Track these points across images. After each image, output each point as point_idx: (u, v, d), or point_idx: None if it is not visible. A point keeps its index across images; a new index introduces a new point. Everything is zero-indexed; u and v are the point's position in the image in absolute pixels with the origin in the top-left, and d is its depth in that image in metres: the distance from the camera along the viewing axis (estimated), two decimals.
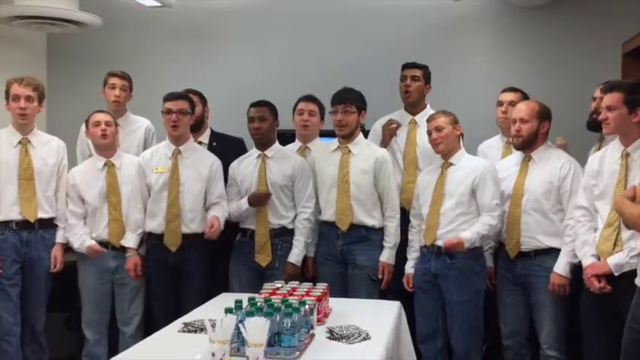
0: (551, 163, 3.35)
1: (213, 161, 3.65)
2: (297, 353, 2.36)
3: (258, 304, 2.48)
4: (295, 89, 4.06)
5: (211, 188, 3.61)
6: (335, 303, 3.00)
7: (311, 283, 3.01)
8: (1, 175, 3.50)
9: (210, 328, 2.25)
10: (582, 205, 3.06)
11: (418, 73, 3.91)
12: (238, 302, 2.44)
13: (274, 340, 2.32)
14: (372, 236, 3.58)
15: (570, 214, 3.20)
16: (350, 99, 3.56)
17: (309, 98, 3.93)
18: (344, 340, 2.57)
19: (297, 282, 3.05)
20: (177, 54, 5.09)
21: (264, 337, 2.21)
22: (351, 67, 4.65)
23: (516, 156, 3.47)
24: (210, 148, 3.91)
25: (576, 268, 3.16)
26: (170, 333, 2.70)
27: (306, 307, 2.53)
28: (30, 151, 3.57)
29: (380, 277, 3.55)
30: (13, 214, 3.50)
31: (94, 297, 3.64)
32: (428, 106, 3.96)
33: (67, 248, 3.68)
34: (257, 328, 2.20)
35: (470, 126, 3.76)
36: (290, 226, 3.63)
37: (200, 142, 3.92)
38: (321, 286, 2.92)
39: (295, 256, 3.58)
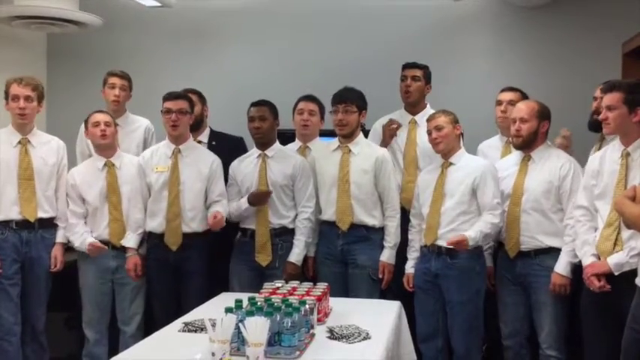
0: (551, 163, 3.35)
1: (213, 160, 3.65)
2: (298, 353, 2.36)
3: (259, 303, 2.48)
4: (295, 89, 4.06)
5: (212, 187, 3.61)
6: (335, 303, 3.00)
7: (311, 283, 3.01)
8: (1, 175, 3.50)
9: (211, 328, 2.25)
10: (582, 204, 3.06)
11: (418, 73, 3.91)
12: (238, 302, 2.44)
13: (274, 339, 2.32)
14: (372, 236, 3.57)
15: (570, 214, 3.20)
16: (351, 98, 3.56)
17: (309, 98, 3.93)
18: (344, 340, 2.57)
19: (298, 282, 3.05)
20: (177, 54, 5.09)
21: (265, 336, 2.22)
22: (351, 66, 4.65)
23: (516, 155, 3.48)
24: (210, 147, 3.91)
25: (576, 268, 3.16)
26: (170, 332, 2.70)
27: (307, 306, 2.53)
28: (30, 150, 3.57)
29: (380, 276, 3.55)
30: (13, 213, 3.51)
31: (95, 296, 3.64)
32: (428, 105, 3.96)
33: (67, 248, 3.68)
34: (257, 328, 2.21)
35: (470, 126, 3.76)
36: (290, 226, 3.63)
37: (199, 142, 3.92)
38: (322, 286, 2.92)
39: (296, 255, 3.58)
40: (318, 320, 2.72)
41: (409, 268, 3.52)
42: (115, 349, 3.38)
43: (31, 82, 3.55)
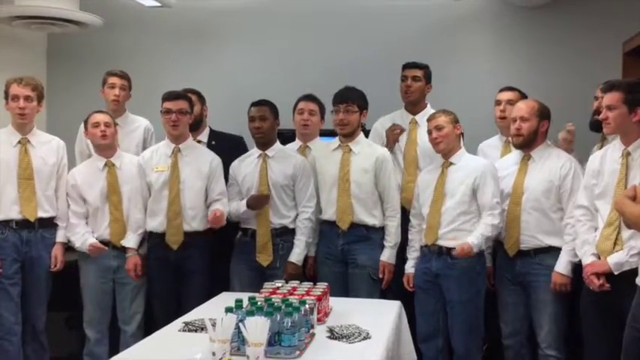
0: (551, 162, 3.35)
1: (212, 159, 3.65)
2: (298, 352, 2.36)
3: (259, 303, 2.48)
4: (295, 89, 4.06)
5: (212, 185, 3.61)
6: (335, 302, 3.00)
7: (311, 283, 3.00)
8: (1, 175, 3.50)
9: (211, 328, 2.25)
10: (583, 204, 3.06)
11: (419, 73, 3.91)
12: (239, 301, 2.44)
13: (274, 339, 2.32)
14: (372, 235, 3.57)
15: (570, 213, 3.20)
16: (352, 98, 3.56)
17: (309, 97, 3.93)
18: (344, 340, 2.57)
19: (298, 281, 3.05)
20: (177, 54, 5.09)
21: (265, 336, 2.22)
22: (351, 66, 4.65)
23: (515, 155, 3.48)
24: (210, 147, 3.91)
25: (576, 268, 3.16)
26: (170, 332, 2.70)
27: (307, 306, 2.53)
28: (29, 150, 3.57)
29: (380, 276, 3.55)
30: (13, 213, 3.51)
31: (96, 296, 3.64)
32: (428, 105, 3.96)
33: (68, 247, 3.68)
34: (257, 328, 2.20)
35: (470, 125, 3.76)
36: (291, 226, 3.62)
37: (199, 141, 3.92)
38: (322, 286, 2.91)
39: (296, 255, 3.57)
40: (318, 320, 2.71)
41: (409, 267, 3.52)
42: (115, 349, 3.39)
43: (30, 82, 3.55)
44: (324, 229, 3.64)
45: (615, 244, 2.80)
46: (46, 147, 3.64)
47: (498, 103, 3.79)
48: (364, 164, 3.56)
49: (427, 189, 3.45)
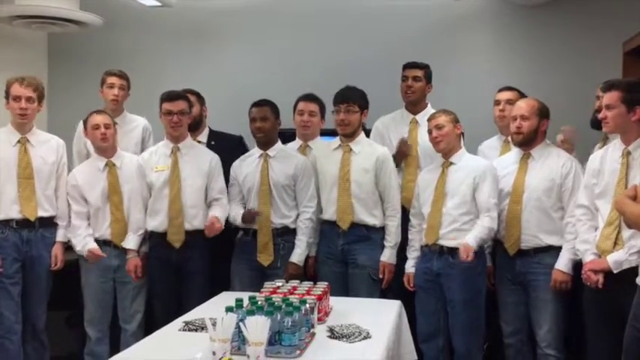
0: (551, 161, 3.35)
1: (211, 157, 3.66)
2: (298, 352, 2.36)
3: (259, 302, 2.48)
4: (295, 89, 4.05)
5: (212, 184, 3.61)
6: (335, 302, 3.00)
7: (312, 282, 3.00)
8: (1, 175, 3.50)
9: (211, 327, 2.25)
10: (583, 203, 3.06)
11: (419, 73, 3.91)
12: (239, 301, 2.44)
13: (275, 338, 2.32)
14: (372, 235, 3.57)
15: (571, 213, 3.20)
16: (353, 98, 3.56)
17: (309, 98, 3.92)
18: (344, 339, 2.57)
19: (298, 281, 3.05)
20: (178, 54, 5.09)
21: (265, 335, 2.22)
22: (352, 66, 4.65)
23: (515, 154, 3.47)
24: (209, 147, 3.90)
25: (576, 267, 3.16)
26: (171, 332, 2.70)
27: (307, 305, 2.53)
28: (29, 150, 3.57)
29: (380, 276, 3.55)
30: (13, 212, 3.51)
31: (97, 295, 3.65)
32: (429, 105, 3.96)
33: (68, 247, 3.69)
34: (258, 327, 2.20)
35: (470, 125, 3.76)
36: (292, 226, 3.62)
37: (199, 142, 3.91)
38: (322, 285, 2.91)
39: (298, 255, 3.57)
40: (319, 319, 2.71)
41: (410, 267, 3.52)
42: (116, 348, 3.39)
43: (32, 82, 3.55)
44: (325, 228, 3.64)
45: (615, 243, 2.80)
46: (46, 146, 3.64)
47: (497, 102, 3.80)
48: (365, 164, 3.56)
49: (427, 188, 3.45)
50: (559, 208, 3.31)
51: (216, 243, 3.61)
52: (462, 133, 3.48)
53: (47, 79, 4.99)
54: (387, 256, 3.55)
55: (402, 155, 3.84)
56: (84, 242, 3.58)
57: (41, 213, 3.57)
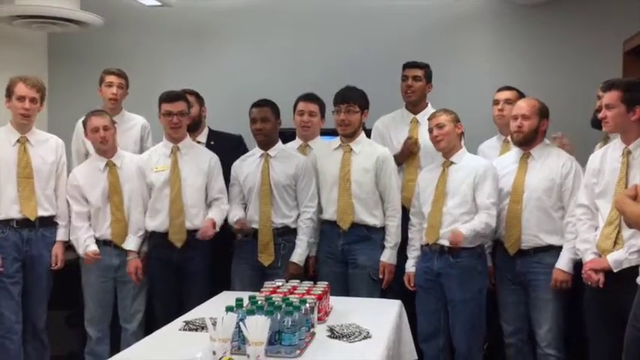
0: (551, 161, 3.35)
1: (211, 157, 3.66)
2: (298, 352, 2.36)
3: (259, 302, 2.48)
4: (296, 89, 4.05)
5: (211, 183, 3.62)
6: (336, 301, 3.00)
7: (312, 282, 3.00)
8: (1, 174, 3.51)
9: (211, 327, 2.25)
10: (583, 203, 3.06)
11: (419, 72, 3.91)
12: (239, 300, 2.44)
13: (275, 338, 2.32)
14: (373, 235, 3.57)
15: (572, 212, 3.20)
16: (353, 98, 3.55)
17: (310, 98, 3.92)
18: (344, 339, 2.57)
19: (298, 280, 3.05)
20: (178, 53, 5.09)
21: (265, 335, 2.21)
22: (352, 66, 4.65)
23: (514, 153, 3.47)
24: (209, 147, 3.90)
25: (577, 267, 3.16)
26: (171, 331, 2.70)
27: (307, 305, 2.53)
28: (28, 149, 3.58)
29: (380, 277, 3.54)
30: (13, 212, 3.51)
31: (97, 294, 3.65)
32: (429, 105, 3.96)
33: (68, 246, 3.69)
34: (258, 327, 2.20)
35: (470, 125, 3.74)
36: (293, 226, 3.62)
37: (198, 142, 3.92)
38: (322, 285, 2.91)
39: (298, 255, 3.57)
40: (319, 319, 2.71)
41: (410, 267, 3.52)
42: (116, 347, 3.39)
43: (36, 83, 3.55)
44: (325, 228, 3.64)
45: (616, 243, 2.81)
46: (45, 146, 3.65)
47: (496, 102, 3.80)
48: (365, 164, 3.56)
49: (428, 188, 3.46)
50: (559, 207, 3.32)
51: (217, 243, 3.61)
52: (463, 133, 3.48)
53: (47, 78, 4.98)
54: (387, 256, 3.55)
55: (408, 154, 3.84)
56: (84, 245, 3.58)
57: (41, 212, 3.57)
